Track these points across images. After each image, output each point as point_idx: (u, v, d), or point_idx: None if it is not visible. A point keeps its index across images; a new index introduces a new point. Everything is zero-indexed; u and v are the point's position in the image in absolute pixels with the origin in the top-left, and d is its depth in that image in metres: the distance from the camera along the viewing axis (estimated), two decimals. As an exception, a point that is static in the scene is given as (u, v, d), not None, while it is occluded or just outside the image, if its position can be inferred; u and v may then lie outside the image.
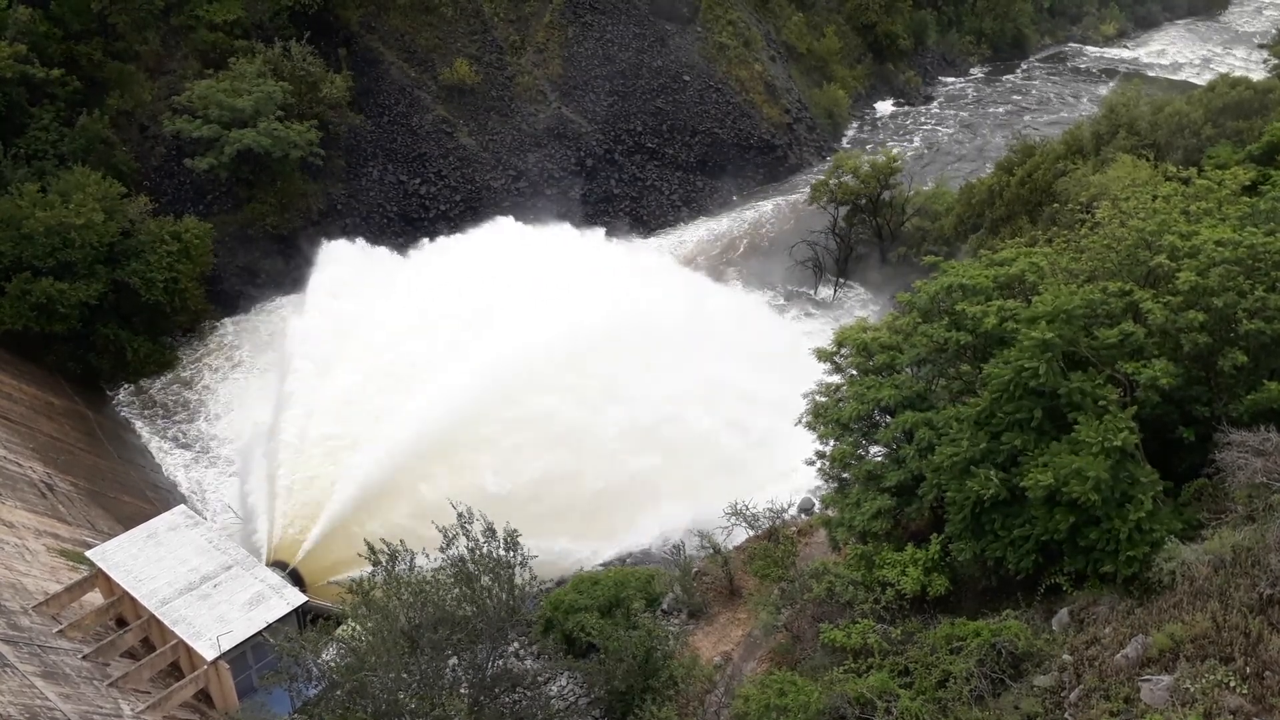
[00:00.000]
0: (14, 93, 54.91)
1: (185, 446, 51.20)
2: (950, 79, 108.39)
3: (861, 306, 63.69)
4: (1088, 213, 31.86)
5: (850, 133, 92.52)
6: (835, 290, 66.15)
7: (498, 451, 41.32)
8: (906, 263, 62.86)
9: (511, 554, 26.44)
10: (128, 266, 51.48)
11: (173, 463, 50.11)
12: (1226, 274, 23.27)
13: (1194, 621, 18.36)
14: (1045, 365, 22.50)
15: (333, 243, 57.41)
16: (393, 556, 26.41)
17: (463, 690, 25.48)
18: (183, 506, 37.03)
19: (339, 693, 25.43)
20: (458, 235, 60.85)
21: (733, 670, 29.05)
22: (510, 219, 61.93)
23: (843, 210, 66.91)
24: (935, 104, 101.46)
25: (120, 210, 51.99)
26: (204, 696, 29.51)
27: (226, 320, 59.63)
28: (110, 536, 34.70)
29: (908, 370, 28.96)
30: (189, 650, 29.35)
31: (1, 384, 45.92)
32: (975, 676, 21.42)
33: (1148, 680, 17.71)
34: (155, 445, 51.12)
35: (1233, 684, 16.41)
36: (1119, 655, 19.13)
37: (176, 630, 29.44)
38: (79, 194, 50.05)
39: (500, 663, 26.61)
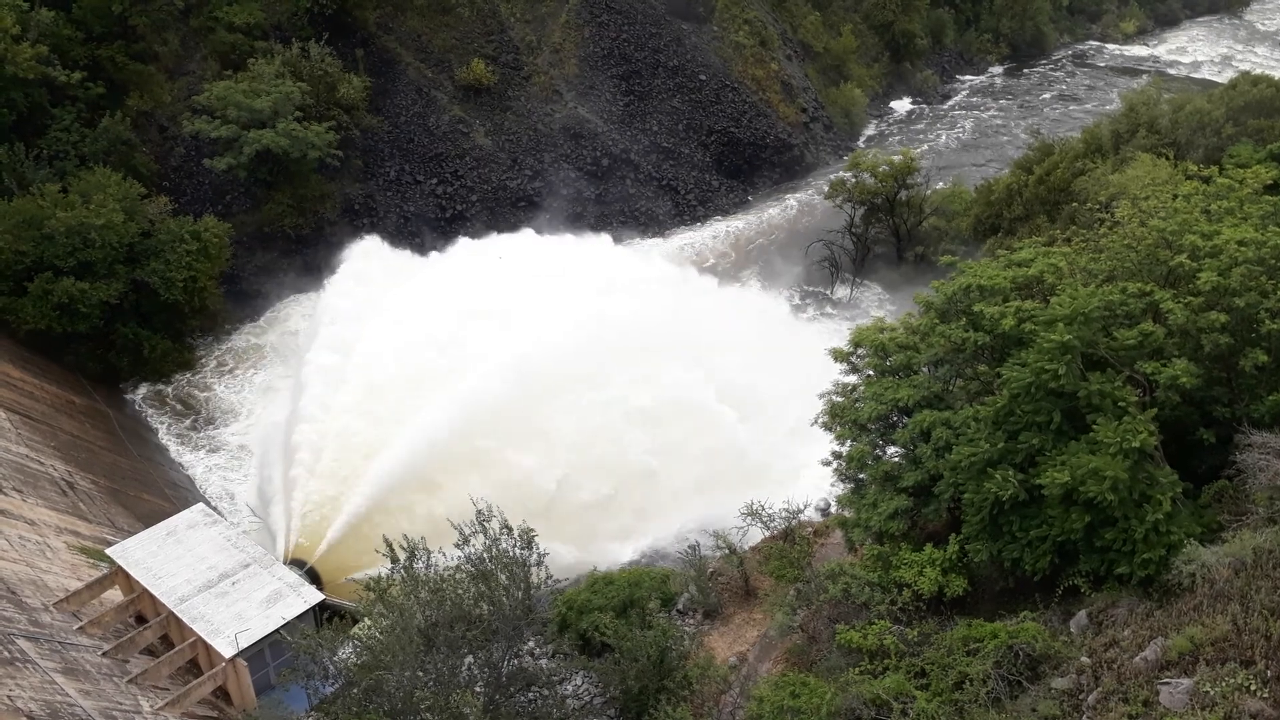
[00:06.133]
0: (36, 94, 55.45)
1: (204, 445, 51.54)
2: (968, 78, 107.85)
3: (878, 306, 63.44)
4: (1107, 212, 31.64)
5: (868, 132, 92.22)
6: (852, 290, 65.94)
7: (511, 453, 41.38)
8: (924, 262, 62.64)
9: (527, 552, 26.50)
10: (147, 266, 51.83)
11: (191, 461, 50.46)
12: (1248, 274, 23.10)
13: (1214, 624, 18.23)
14: (1065, 367, 22.38)
15: (354, 245, 57.57)
16: (411, 554, 26.50)
17: (478, 689, 25.55)
18: (201, 505, 37.26)
19: (355, 691, 25.55)
20: (474, 240, 61.03)
21: (748, 671, 29.00)
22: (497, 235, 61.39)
23: (859, 210, 66.70)
24: (953, 103, 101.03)
25: (140, 210, 52.36)
26: (222, 693, 29.70)
27: (245, 319, 60.01)
28: (130, 534, 34.98)
29: (925, 370, 28.84)
30: (207, 647, 29.55)
31: (24, 382, 46.35)
32: (992, 678, 21.34)
33: (1167, 683, 17.59)
34: (174, 443, 51.49)
35: (1253, 687, 16.27)
36: (1138, 658, 19.01)
37: (195, 627, 29.65)
38: (99, 194, 50.44)
39: (515, 661, 26.66)
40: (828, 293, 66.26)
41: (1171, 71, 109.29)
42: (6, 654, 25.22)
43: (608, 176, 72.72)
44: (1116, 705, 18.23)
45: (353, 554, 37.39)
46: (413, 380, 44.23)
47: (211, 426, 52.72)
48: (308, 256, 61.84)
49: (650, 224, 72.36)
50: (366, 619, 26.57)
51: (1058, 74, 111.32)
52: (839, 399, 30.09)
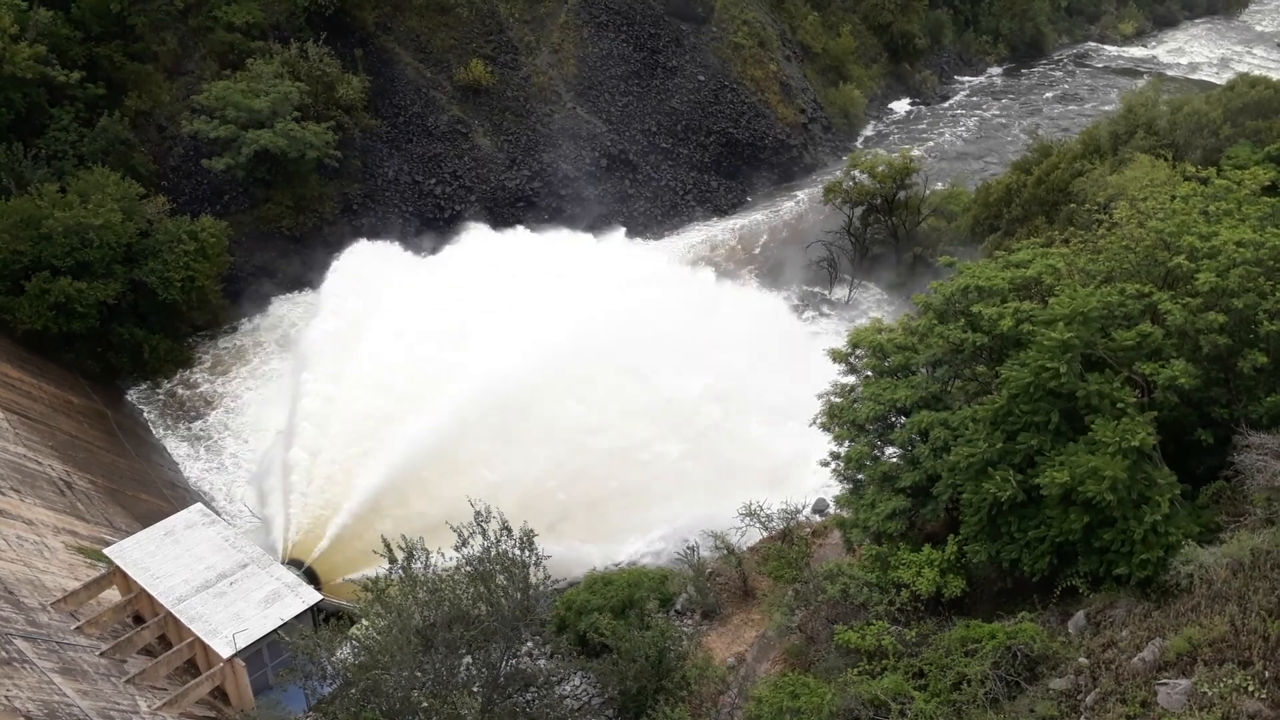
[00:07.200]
0: (34, 93, 55.41)
1: (202, 445, 51.50)
2: (967, 78, 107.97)
3: (876, 307, 63.47)
4: (1105, 213, 31.66)
5: (866, 132, 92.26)
6: (850, 290, 65.97)
7: (511, 452, 41.36)
8: (922, 263, 62.68)
9: (526, 553, 26.48)
10: (145, 266, 51.79)
11: (190, 461, 50.41)
12: (1247, 275, 23.13)
13: (1212, 625, 18.23)
14: (1066, 366, 22.38)
15: (349, 248, 57.70)
16: (409, 554, 26.49)
17: (475, 689, 25.53)
18: (199, 505, 37.23)
19: (353, 691, 25.54)
20: (472, 238, 61.21)
21: (746, 671, 29.01)
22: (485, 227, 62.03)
23: (858, 210, 66.73)
24: (952, 103, 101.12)
25: (138, 210, 52.32)
26: (220, 693, 29.69)
27: (243, 319, 59.98)
28: (128, 534, 34.95)
29: (923, 371, 28.87)
30: (205, 647, 29.54)
31: (21, 382, 46.30)
32: (990, 679, 21.33)
33: (1165, 684, 17.60)
34: (172, 443, 51.44)
35: (1251, 688, 16.27)
36: (1136, 658, 19.01)
37: (193, 627, 29.64)
38: (98, 194, 50.39)
39: (513, 662, 26.64)
40: (826, 293, 66.27)
41: (1170, 73, 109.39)
42: (4, 654, 25.19)
43: (606, 177, 72.71)
44: (1114, 706, 18.23)
45: (351, 554, 37.36)
46: (412, 379, 44.21)
47: (209, 426, 52.66)
48: (306, 256, 61.76)
49: (648, 224, 72.34)
50: (364, 619, 26.56)
51: (1057, 74, 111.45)
52: (837, 399, 30.10)
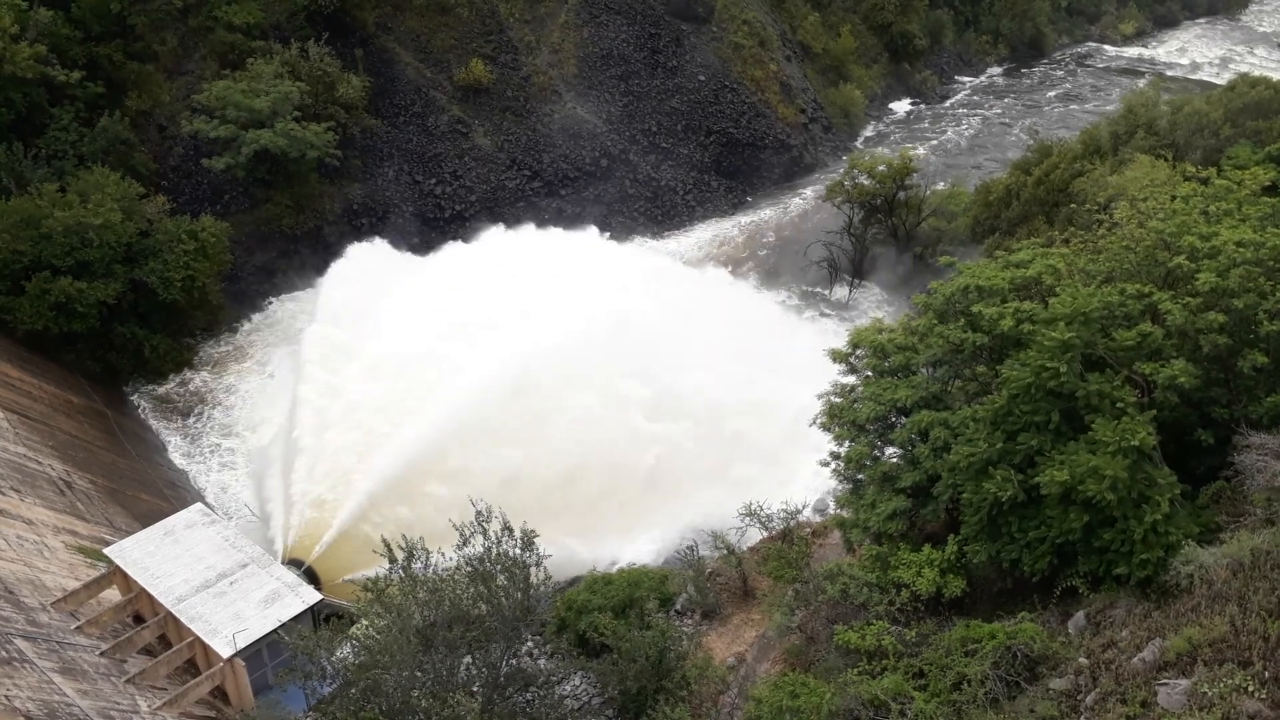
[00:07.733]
0: (34, 93, 55.41)
1: (202, 444, 51.48)
2: (967, 78, 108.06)
3: (877, 307, 63.47)
4: (1105, 213, 31.67)
5: (866, 132, 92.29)
6: (850, 291, 65.96)
7: (510, 452, 41.36)
8: (922, 263, 62.68)
9: (527, 553, 26.48)
10: (145, 266, 51.76)
11: (190, 461, 50.41)
12: (1247, 275, 23.13)
13: (1212, 625, 18.23)
14: (1066, 366, 22.38)
15: (351, 246, 57.97)
16: (409, 554, 26.48)
17: (475, 689, 25.53)
18: (200, 504, 37.22)
19: (353, 691, 25.54)
20: (471, 239, 61.58)
21: (746, 671, 29.01)
22: (500, 227, 62.88)
23: (858, 211, 66.74)
24: (952, 103, 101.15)
25: (138, 210, 52.28)
26: (220, 693, 29.68)
27: (244, 319, 60.00)
28: (128, 534, 34.94)
29: (923, 371, 28.86)
30: (205, 647, 29.54)
31: (22, 382, 46.29)
32: (990, 679, 21.33)
33: (1165, 684, 17.59)
34: (173, 443, 51.44)
35: (1251, 688, 16.27)
36: (1136, 659, 19.00)
37: (193, 627, 29.63)
38: (98, 194, 50.36)
39: (514, 662, 26.65)
40: (826, 293, 66.27)
41: (1170, 73, 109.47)
42: (4, 654, 25.20)
43: (606, 177, 72.72)
44: (1114, 706, 18.22)
45: (351, 554, 37.33)
46: (412, 378, 44.24)
47: (210, 425, 52.66)
48: (306, 255, 61.86)
49: (649, 224, 72.39)
50: (364, 619, 26.55)
51: (1057, 74, 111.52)
52: (837, 399, 30.10)
